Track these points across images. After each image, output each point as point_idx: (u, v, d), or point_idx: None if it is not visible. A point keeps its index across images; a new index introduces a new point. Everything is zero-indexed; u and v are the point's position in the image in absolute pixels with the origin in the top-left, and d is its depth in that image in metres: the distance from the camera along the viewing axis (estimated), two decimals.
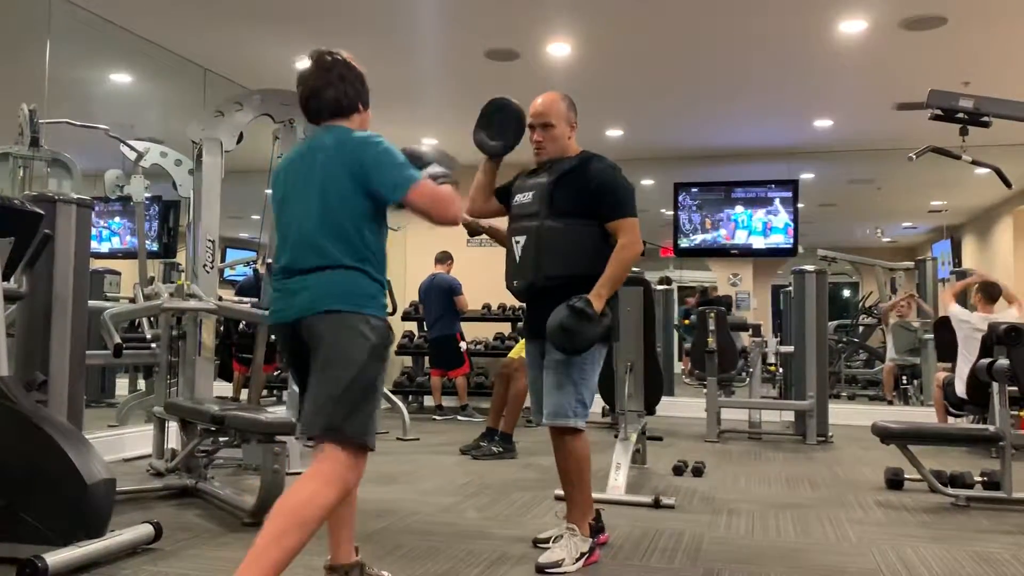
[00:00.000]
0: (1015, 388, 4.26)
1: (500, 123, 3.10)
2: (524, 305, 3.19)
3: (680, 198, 8.69)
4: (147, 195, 5.90)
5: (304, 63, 2.45)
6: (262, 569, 2.00)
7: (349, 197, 2.24)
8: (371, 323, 2.21)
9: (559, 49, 6.06)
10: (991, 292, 6.04)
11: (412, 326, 8.90)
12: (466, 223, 3.46)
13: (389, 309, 6.32)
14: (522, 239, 2.99)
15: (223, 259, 6.83)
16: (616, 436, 4.46)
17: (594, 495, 3.88)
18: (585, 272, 2.88)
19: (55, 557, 2.59)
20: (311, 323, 2.21)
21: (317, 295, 2.21)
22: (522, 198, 3.06)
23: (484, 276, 8.42)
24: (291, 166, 2.40)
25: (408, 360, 9.07)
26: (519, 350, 5.72)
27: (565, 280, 2.89)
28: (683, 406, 7.78)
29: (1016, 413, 4.76)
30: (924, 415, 6.90)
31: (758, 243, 8.59)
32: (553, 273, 2.92)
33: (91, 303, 3.94)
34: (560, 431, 2.93)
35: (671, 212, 8.75)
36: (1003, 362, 4.04)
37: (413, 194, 2.23)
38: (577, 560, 2.85)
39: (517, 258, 3.02)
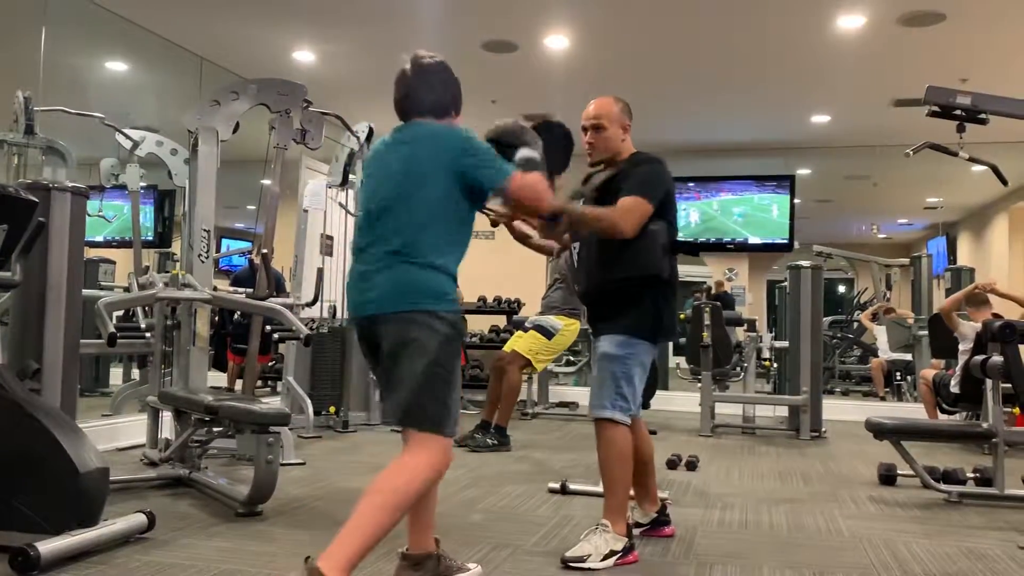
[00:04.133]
0: (1008, 385, 4.27)
1: (547, 146, 2.97)
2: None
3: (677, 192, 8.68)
4: (142, 184, 5.88)
5: (403, 63, 2.46)
6: (352, 549, 2.05)
7: (437, 188, 2.28)
8: (441, 317, 2.25)
9: (557, 41, 6.05)
10: (978, 298, 6.13)
11: None
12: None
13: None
14: (577, 246, 3.10)
15: (218, 249, 6.80)
16: None
17: (586, 488, 3.94)
18: (638, 273, 2.89)
19: (48, 546, 2.58)
20: (387, 320, 2.26)
21: (388, 292, 2.26)
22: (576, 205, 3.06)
23: (479, 268, 8.42)
24: (377, 157, 2.45)
25: None
26: (513, 342, 5.71)
27: (618, 284, 2.93)
28: (677, 400, 7.80)
29: (1009, 410, 4.77)
30: (917, 411, 6.90)
31: (754, 238, 8.59)
32: (605, 278, 2.96)
33: (85, 292, 3.93)
34: (599, 422, 2.91)
35: None
36: (997, 359, 4.04)
37: (513, 190, 2.33)
38: (606, 558, 2.78)
39: (576, 263, 3.12)
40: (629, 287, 2.91)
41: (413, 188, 2.29)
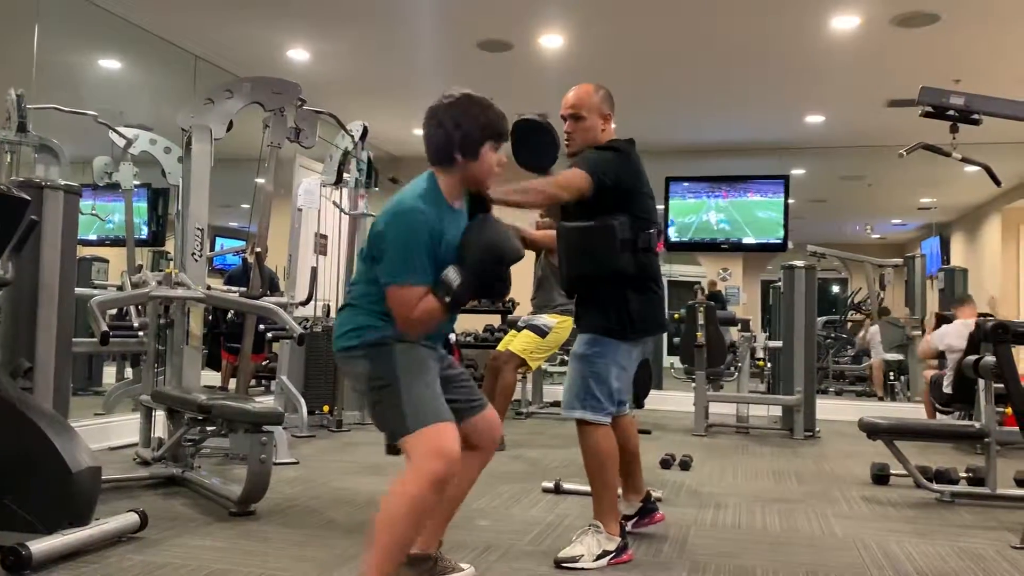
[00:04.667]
0: (1001, 385, 4.29)
1: (537, 145, 2.98)
2: None
3: (671, 192, 8.72)
4: (136, 182, 5.86)
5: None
6: (382, 557, 2.11)
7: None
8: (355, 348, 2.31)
9: (552, 41, 6.05)
10: (962, 299, 6.25)
11: None
12: None
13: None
14: (560, 239, 3.02)
15: (212, 248, 6.79)
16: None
17: (580, 487, 3.93)
18: (594, 271, 2.87)
19: (39, 545, 2.57)
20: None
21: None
22: None
23: None
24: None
25: None
26: (507, 342, 5.70)
27: (578, 282, 2.93)
28: (671, 400, 7.80)
29: (1002, 410, 4.78)
30: (911, 411, 6.93)
31: (748, 238, 8.61)
32: (569, 275, 2.96)
33: (78, 290, 3.91)
34: (577, 423, 2.90)
35: (662, 206, 8.77)
36: (989, 359, 4.05)
37: (388, 294, 2.21)
38: (599, 558, 2.77)
39: (558, 257, 3.08)
40: (593, 285, 2.89)
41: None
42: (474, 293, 2.26)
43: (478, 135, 2.25)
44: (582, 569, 2.74)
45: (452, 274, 2.21)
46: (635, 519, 3.22)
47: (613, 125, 3.09)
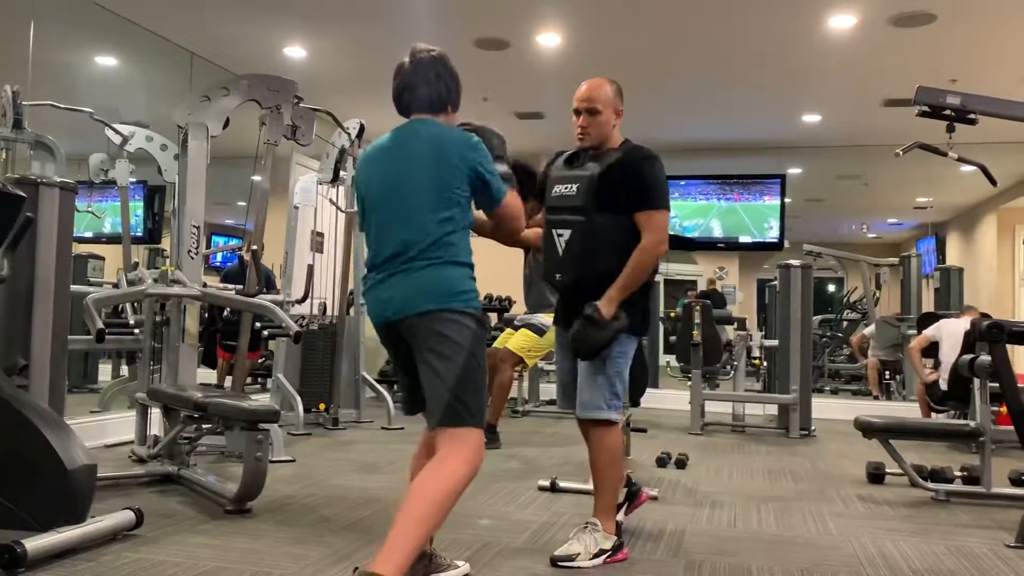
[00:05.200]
0: (996, 384, 4.30)
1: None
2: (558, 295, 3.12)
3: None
4: (132, 180, 5.85)
5: (402, 57, 2.47)
6: (406, 550, 2.09)
7: (443, 191, 2.30)
8: (468, 313, 2.30)
9: (549, 39, 6.05)
10: (966, 308, 6.32)
11: None
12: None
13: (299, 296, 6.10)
14: (566, 233, 2.89)
15: (208, 245, 6.78)
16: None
17: (576, 485, 3.94)
18: (620, 270, 2.83)
19: (35, 543, 2.57)
20: (411, 323, 2.30)
21: (413, 293, 2.29)
22: (564, 189, 2.92)
23: None
24: (378, 156, 2.45)
25: None
26: (504, 340, 5.71)
27: (612, 275, 2.82)
28: (668, 398, 7.81)
29: (997, 409, 4.79)
30: (906, 410, 6.94)
31: (745, 237, 8.62)
32: (604, 269, 2.83)
33: (74, 288, 3.91)
34: (593, 423, 2.86)
35: None
36: (984, 358, 4.06)
37: (504, 206, 2.40)
38: (595, 556, 2.78)
39: (560, 251, 2.91)
40: (608, 283, 2.83)
41: (420, 189, 2.32)
42: None
43: (459, 95, 2.49)
44: (579, 568, 2.74)
45: (502, 167, 2.42)
46: (626, 505, 3.20)
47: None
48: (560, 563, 2.75)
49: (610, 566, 2.81)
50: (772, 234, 8.51)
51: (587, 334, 2.77)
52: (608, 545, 2.82)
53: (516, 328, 5.69)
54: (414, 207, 2.32)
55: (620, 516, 3.05)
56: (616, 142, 2.96)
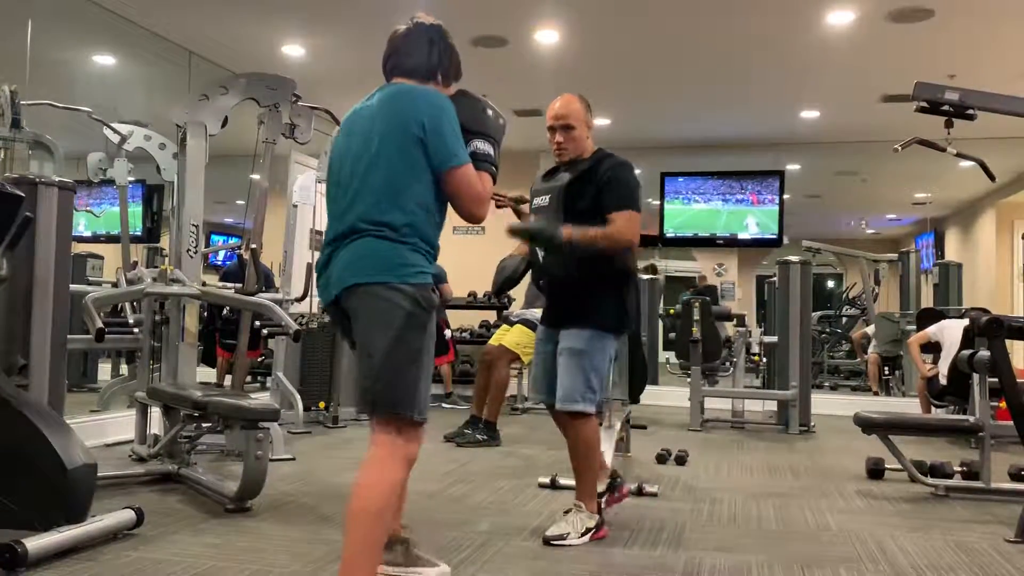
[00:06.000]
0: (995, 379, 4.30)
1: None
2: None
3: (667, 187, 8.73)
4: (130, 179, 5.85)
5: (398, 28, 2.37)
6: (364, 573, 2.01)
7: (401, 152, 2.10)
8: (406, 291, 2.07)
9: (547, 36, 6.04)
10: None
11: None
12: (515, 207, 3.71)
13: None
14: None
15: (207, 244, 6.78)
16: (600, 424, 4.47)
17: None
18: (603, 270, 3.03)
19: (35, 542, 2.57)
20: (345, 298, 2.12)
21: (347, 266, 2.11)
22: (540, 201, 3.17)
23: (469, 264, 8.41)
24: (344, 126, 2.31)
25: None
26: (499, 337, 5.70)
27: (590, 280, 3.03)
28: (667, 395, 7.82)
29: (996, 404, 4.80)
30: (906, 406, 6.95)
31: (743, 233, 8.62)
32: (573, 272, 3.03)
33: (73, 287, 3.90)
34: (570, 415, 3.03)
35: (657, 202, 8.78)
36: (984, 353, 4.07)
37: (455, 177, 2.11)
38: (583, 535, 2.99)
39: (541, 258, 3.16)
40: (599, 282, 3.04)
41: (377, 153, 2.12)
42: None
43: (456, 68, 2.35)
44: (570, 545, 2.95)
45: (481, 145, 2.22)
46: (606, 495, 3.31)
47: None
48: (552, 542, 2.95)
49: (612, 565, 2.82)
50: (770, 231, 8.50)
51: (543, 236, 2.97)
52: (592, 523, 3.04)
53: (512, 324, 5.68)
54: (366, 179, 2.12)
55: (602, 503, 3.22)
56: (588, 152, 3.15)
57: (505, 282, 3.69)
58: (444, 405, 7.52)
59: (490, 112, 2.32)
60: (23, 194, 3.07)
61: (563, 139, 3.12)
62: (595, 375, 3.02)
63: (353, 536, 2.02)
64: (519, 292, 5.91)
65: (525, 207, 3.69)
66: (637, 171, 3.23)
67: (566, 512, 3.08)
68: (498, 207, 4.46)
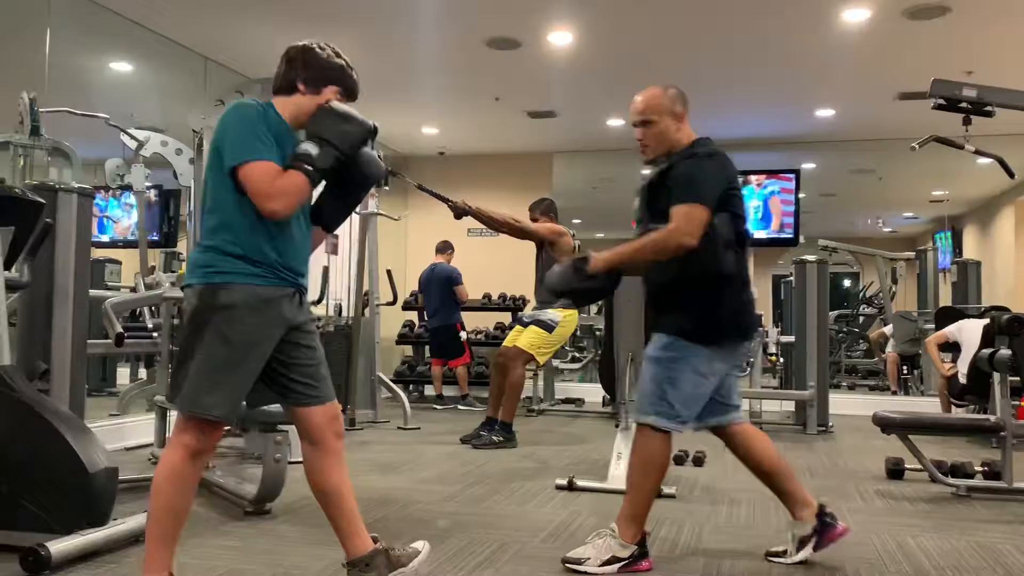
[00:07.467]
0: (1016, 378, 4.27)
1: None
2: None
3: None
4: (148, 184, 5.89)
5: None
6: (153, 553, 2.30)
7: (212, 162, 2.26)
8: (196, 290, 2.23)
9: (561, 38, 6.04)
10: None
11: (413, 316, 8.91)
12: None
13: (389, 299, 6.25)
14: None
15: None
16: (617, 426, 4.47)
17: (594, 484, 3.93)
18: (696, 271, 2.70)
19: (58, 545, 2.60)
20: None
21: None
22: (635, 203, 2.95)
23: (485, 265, 8.43)
24: None
25: (409, 350, 9.08)
26: (513, 338, 5.70)
27: (671, 283, 2.76)
28: None
29: (1017, 403, 4.76)
30: (925, 405, 6.90)
31: (759, 233, 8.58)
32: (662, 279, 2.80)
33: (92, 292, 3.94)
34: (639, 426, 2.79)
35: None
36: (1005, 352, 4.04)
37: (241, 175, 2.18)
38: (606, 564, 2.69)
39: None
40: (680, 285, 2.74)
41: (207, 171, 2.29)
42: (340, 162, 2.27)
43: (321, 71, 2.34)
44: (585, 572, 2.70)
45: (307, 146, 2.25)
46: (813, 538, 2.83)
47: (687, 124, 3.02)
48: (568, 564, 2.73)
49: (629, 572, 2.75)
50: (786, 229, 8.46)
51: (564, 279, 2.85)
52: (624, 554, 2.72)
53: (525, 325, 5.67)
54: (209, 191, 2.29)
55: (807, 552, 2.83)
56: (680, 145, 2.88)
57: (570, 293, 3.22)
58: (460, 407, 7.54)
59: (334, 117, 2.31)
60: (43, 201, 3.10)
61: (642, 136, 2.88)
62: (670, 386, 2.69)
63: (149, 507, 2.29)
64: (532, 293, 5.91)
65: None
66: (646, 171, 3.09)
67: (596, 534, 2.79)
68: (456, 218, 4.67)
